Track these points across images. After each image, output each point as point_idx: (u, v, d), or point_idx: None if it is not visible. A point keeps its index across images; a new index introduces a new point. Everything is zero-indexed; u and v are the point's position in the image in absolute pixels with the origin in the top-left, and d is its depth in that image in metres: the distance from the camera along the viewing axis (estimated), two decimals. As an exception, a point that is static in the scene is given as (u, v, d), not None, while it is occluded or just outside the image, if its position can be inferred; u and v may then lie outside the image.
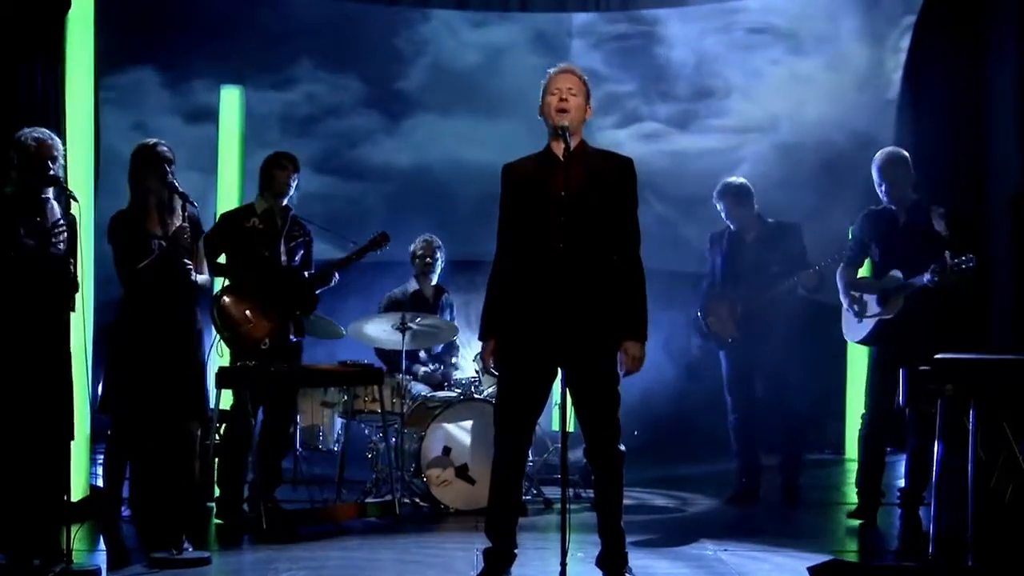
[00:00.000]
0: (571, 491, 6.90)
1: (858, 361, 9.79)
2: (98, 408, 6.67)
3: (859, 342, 7.65)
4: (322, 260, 7.80)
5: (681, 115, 11.56)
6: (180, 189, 6.48)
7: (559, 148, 5.56)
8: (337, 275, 7.55)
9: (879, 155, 7.43)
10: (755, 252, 8.14)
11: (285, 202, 7.56)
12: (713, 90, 11.49)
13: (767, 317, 8.05)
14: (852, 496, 7.74)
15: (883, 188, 7.34)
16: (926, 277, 7.01)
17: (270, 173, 7.54)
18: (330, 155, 11.47)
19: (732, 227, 8.27)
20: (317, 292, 7.55)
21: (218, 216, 8.05)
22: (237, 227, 7.43)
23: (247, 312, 7.25)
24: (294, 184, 7.54)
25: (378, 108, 11.62)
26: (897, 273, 7.23)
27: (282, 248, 7.49)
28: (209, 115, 10.60)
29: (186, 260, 6.46)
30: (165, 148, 6.56)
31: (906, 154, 7.43)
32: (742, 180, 8.30)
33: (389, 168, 11.59)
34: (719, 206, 8.29)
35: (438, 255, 8.75)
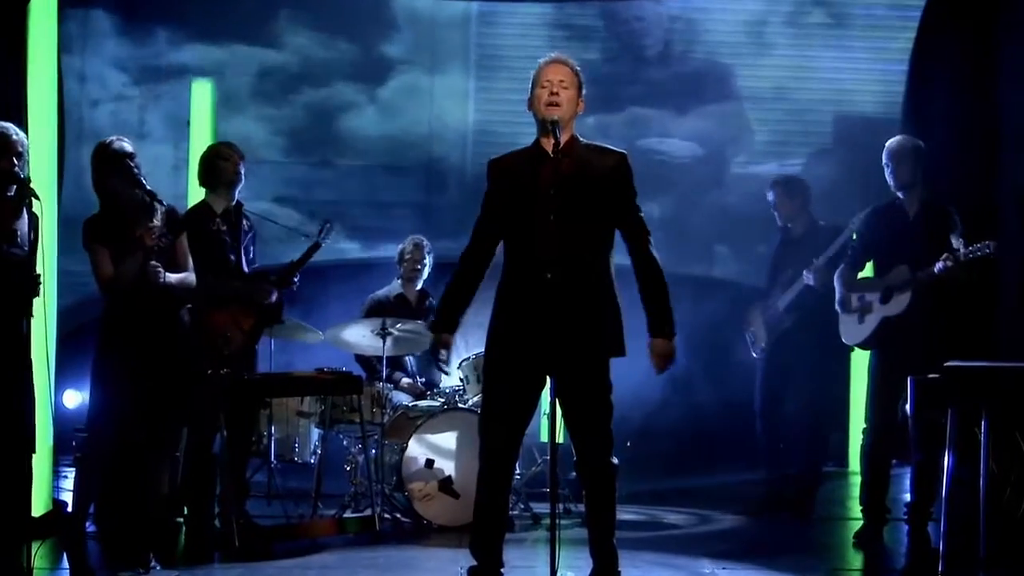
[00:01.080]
0: (561, 506, 6.88)
1: (861, 366, 9.76)
2: (87, 425, 6.64)
3: (859, 345, 7.64)
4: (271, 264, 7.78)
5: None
6: (148, 187, 6.43)
7: (549, 144, 5.50)
8: (298, 278, 7.47)
9: (891, 142, 7.41)
10: (798, 254, 8.17)
11: (236, 196, 7.47)
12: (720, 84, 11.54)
13: (789, 324, 8.19)
14: (856, 511, 7.71)
15: (890, 168, 7.32)
16: (938, 266, 6.97)
17: (215, 165, 7.44)
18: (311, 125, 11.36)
19: (779, 223, 8.40)
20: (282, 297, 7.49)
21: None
22: (202, 230, 7.26)
23: (226, 329, 7.18)
24: (242, 175, 7.45)
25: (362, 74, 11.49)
26: (904, 267, 7.20)
27: (242, 250, 7.44)
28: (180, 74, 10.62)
29: (153, 262, 6.40)
30: (124, 143, 6.53)
31: (919, 143, 7.41)
32: (794, 176, 8.34)
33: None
34: (769, 196, 8.41)
35: (427, 259, 8.76)
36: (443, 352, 5.76)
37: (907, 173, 7.30)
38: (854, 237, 7.76)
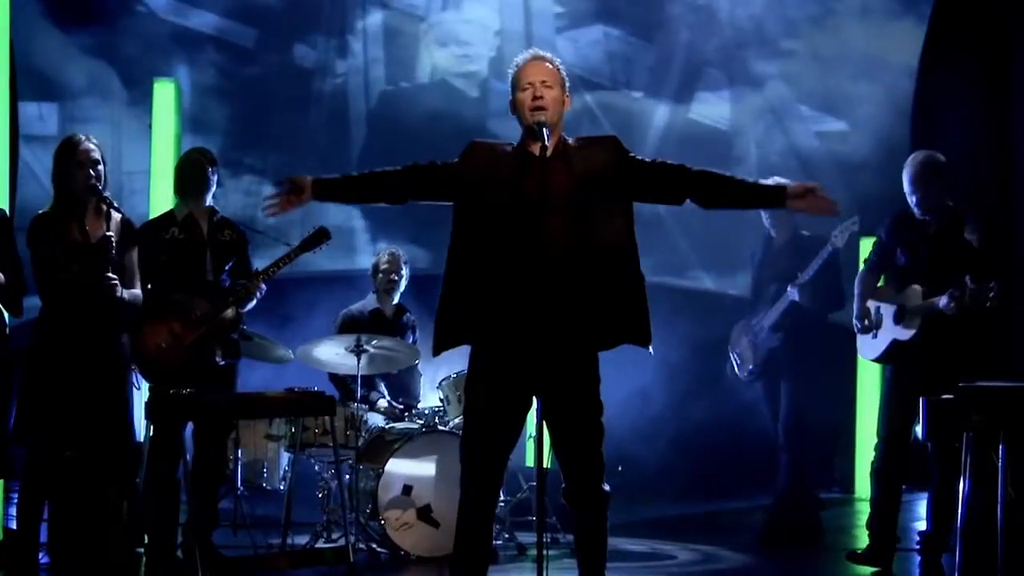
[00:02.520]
0: (548, 536, 6.83)
1: (869, 386, 9.77)
2: (11, 436, 6.59)
3: (875, 359, 7.62)
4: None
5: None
6: (105, 194, 6.42)
7: (536, 148, 5.41)
8: (263, 286, 7.32)
9: (912, 161, 7.33)
10: (781, 266, 8.15)
11: (209, 203, 7.40)
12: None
13: (777, 343, 8.20)
14: (864, 540, 7.64)
15: (915, 199, 7.26)
16: (943, 301, 6.99)
17: (184, 171, 7.41)
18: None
19: (771, 232, 8.36)
20: (241, 310, 7.36)
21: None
22: (155, 239, 7.23)
23: (160, 342, 7.08)
24: (214, 180, 7.39)
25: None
26: (917, 288, 7.16)
27: (208, 258, 7.32)
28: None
29: (110, 274, 6.34)
30: (93, 147, 6.58)
31: (942, 159, 7.33)
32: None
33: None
34: None
35: (403, 271, 8.70)
36: (286, 185, 5.53)
37: (933, 198, 7.26)
38: (876, 239, 7.71)
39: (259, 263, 7.41)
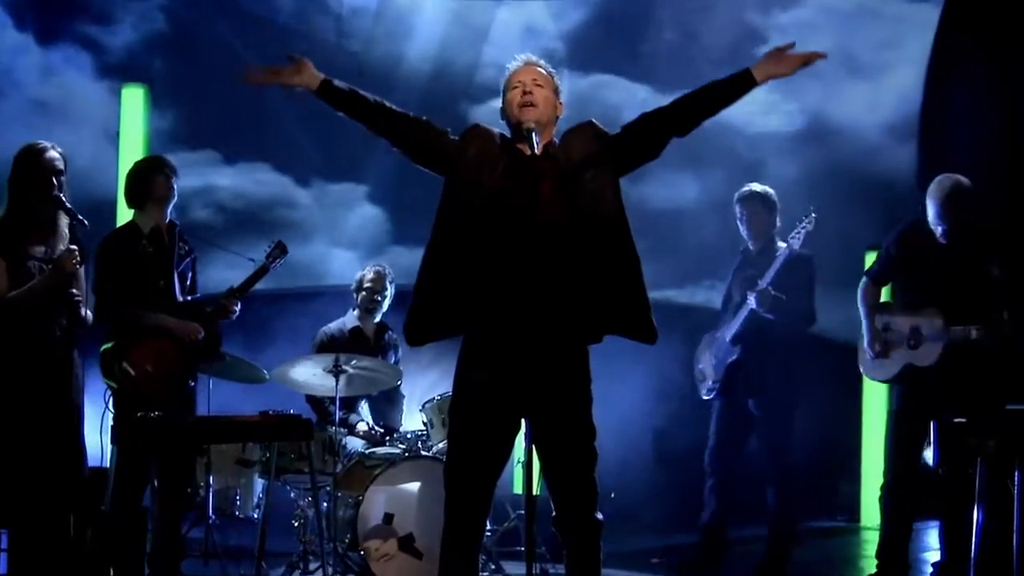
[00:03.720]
0: (538, 567, 6.79)
1: (876, 407, 9.76)
2: None
3: (884, 381, 7.59)
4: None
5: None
6: (68, 205, 6.41)
7: (525, 149, 5.42)
8: (238, 306, 7.36)
9: (938, 189, 7.30)
10: (750, 276, 8.05)
11: (169, 215, 7.40)
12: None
13: (737, 356, 8.06)
14: (872, 570, 7.61)
15: (942, 228, 7.25)
16: (973, 333, 7.00)
17: (145, 180, 7.35)
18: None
19: (749, 244, 8.27)
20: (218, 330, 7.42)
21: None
22: (121, 254, 7.20)
23: (147, 366, 7.09)
24: (175, 191, 7.38)
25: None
26: (936, 313, 7.12)
27: (175, 274, 7.33)
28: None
29: (74, 291, 6.33)
30: (56, 156, 6.62)
31: (967, 184, 7.31)
32: (769, 189, 8.29)
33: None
34: (738, 209, 8.28)
35: (388, 290, 8.69)
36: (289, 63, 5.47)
37: (963, 225, 7.25)
38: (882, 248, 7.69)
39: (216, 276, 7.37)
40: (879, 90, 10.96)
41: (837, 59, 10.32)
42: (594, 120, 5.59)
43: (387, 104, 5.53)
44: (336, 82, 5.47)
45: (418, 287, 5.47)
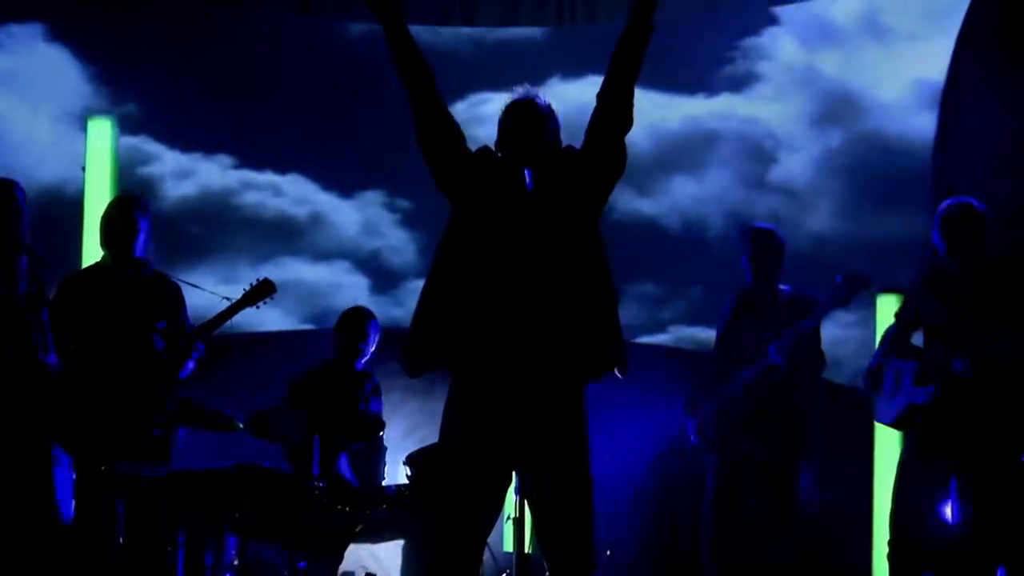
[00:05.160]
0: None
1: (889, 455, 9.68)
2: None
3: (888, 424, 7.48)
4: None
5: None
6: (30, 246, 6.43)
7: (523, 186, 5.51)
8: (200, 346, 7.31)
9: (947, 217, 7.22)
10: (761, 322, 7.99)
11: (141, 255, 7.37)
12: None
13: (751, 407, 7.98)
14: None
15: (951, 261, 7.16)
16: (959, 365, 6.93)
17: (105, 220, 7.40)
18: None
19: (749, 282, 8.18)
20: (179, 375, 7.36)
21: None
22: (81, 295, 7.23)
23: (86, 410, 7.05)
24: (142, 230, 7.35)
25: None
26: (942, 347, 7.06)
27: (139, 317, 7.26)
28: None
29: (37, 334, 6.56)
30: (21, 195, 6.75)
31: (979, 209, 7.22)
32: (774, 228, 8.29)
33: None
34: (744, 246, 8.22)
35: (372, 337, 8.63)
36: None
37: (972, 256, 7.16)
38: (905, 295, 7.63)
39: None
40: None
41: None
42: (573, 145, 5.61)
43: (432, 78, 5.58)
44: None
45: (418, 316, 5.49)
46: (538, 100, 5.65)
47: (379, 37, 5.52)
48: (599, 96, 5.54)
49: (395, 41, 5.52)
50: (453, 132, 5.56)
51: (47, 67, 10.84)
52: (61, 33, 10.82)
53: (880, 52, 10.75)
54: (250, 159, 11.14)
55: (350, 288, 10.98)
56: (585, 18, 11.76)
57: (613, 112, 5.53)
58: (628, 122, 5.55)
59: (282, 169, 11.16)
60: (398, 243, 11.24)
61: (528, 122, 5.56)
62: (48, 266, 6.78)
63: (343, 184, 11.21)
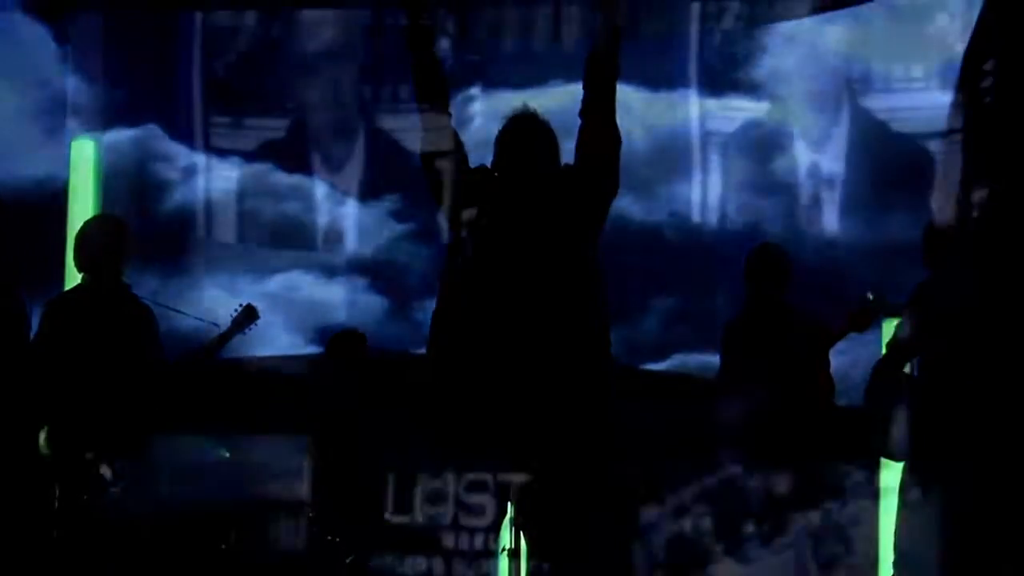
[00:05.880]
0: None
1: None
2: None
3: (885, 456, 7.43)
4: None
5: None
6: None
7: (519, 205, 5.53)
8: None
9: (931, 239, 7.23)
10: (763, 344, 7.94)
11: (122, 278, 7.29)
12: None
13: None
14: None
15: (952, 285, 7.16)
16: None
17: (76, 244, 7.32)
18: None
19: (754, 306, 8.05)
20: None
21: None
22: (67, 322, 7.13)
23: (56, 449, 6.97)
24: (119, 254, 7.24)
25: None
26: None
27: (114, 346, 7.15)
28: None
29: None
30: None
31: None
32: (781, 248, 8.20)
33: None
34: (748, 264, 8.05)
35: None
36: None
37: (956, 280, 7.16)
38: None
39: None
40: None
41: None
42: (571, 164, 5.61)
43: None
44: None
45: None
46: (536, 116, 5.64)
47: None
48: (581, 114, 5.55)
49: (417, 42, 5.59)
50: (458, 153, 5.58)
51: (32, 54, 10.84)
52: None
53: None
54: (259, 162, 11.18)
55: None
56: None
57: (597, 130, 5.53)
58: (616, 139, 5.55)
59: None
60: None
61: (525, 141, 5.57)
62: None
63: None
